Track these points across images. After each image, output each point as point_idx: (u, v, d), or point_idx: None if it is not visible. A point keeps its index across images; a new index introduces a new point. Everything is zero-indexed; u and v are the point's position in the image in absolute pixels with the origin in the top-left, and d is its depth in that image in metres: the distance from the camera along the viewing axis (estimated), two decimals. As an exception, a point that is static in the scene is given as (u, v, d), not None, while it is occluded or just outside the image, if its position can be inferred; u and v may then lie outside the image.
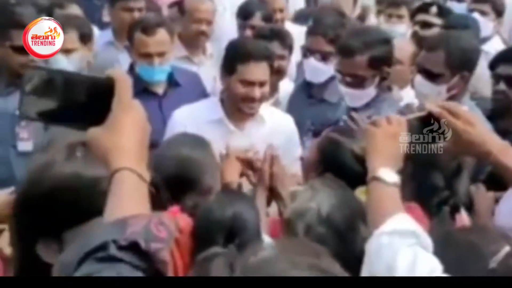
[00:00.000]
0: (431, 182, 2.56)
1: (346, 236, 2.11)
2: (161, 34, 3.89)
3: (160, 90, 3.99)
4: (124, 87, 1.44)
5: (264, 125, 3.52)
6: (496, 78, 3.67)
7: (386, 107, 3.43)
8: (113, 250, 1.24)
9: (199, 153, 2.72)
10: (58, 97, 1.44)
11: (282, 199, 2.84)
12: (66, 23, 3.98)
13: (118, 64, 4.38)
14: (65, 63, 3.96)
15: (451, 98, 3.38)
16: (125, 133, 1.42)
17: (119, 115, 1.42)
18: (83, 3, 5.20)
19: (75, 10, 4.84)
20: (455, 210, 2.60)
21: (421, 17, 4.93)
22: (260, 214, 2.65)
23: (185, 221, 2.38)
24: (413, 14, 5.14)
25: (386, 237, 1.85)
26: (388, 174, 1.99)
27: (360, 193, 2.52)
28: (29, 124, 3.56)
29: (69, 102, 1.44)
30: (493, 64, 3.73)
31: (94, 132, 1.42)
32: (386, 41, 3.57)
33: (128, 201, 1.37)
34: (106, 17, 5.34)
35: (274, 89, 4.19)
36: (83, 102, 1.44)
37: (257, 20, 4.87)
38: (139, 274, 1.24)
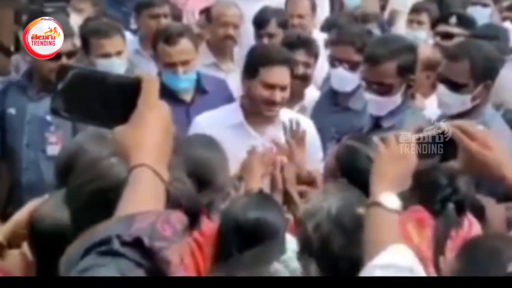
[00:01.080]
0: (434, 179, 2.56)
1: (353, 237, 2.12)
2: (184, 43, 3.90)
3: (187, 97, 4.00)
4: (151, 86, 1.46)
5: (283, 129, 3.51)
6: None
7: (409, 115, 3.44)
8: (116, 245, 1.23)
9: (210, 153, 2.80)
10: (88, 96, 1.46)
11: (295, 202, 2.89)
12: (111, 28, 4.10)
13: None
14: (119, 65, 4.07)
15: (474, 107, 3.40)
16: (148, 131, 1.43)
17: (144, 113, 1.44)
18: (111, 10, 5.29)
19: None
20: (459, 206, 2.60)
21: (441, 27, 4.89)
22: None
23: (207, 226, 2.43)
24: (433, 25, 5.10)
25: (379, 271, 1.78)
26: (390, 199, 1.94)
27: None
28: (58, 129, 3.64)
29: (98, 101, 1.46)
30: None
31: (118, 130, 1.44)
32: (412, 48, 3.58)
33: (143, 198, 1.37)
34: (133, 25, 5.39)
35: (300, 96, 4.22)
36: (111, 101, 1.46)
37: (272, 27, 4.86)
38: (140, 271, 1.23)
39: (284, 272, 2.29)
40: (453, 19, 4.84)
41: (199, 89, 4.04)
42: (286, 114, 3.59)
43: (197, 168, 2.62)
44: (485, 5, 5.99)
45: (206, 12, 5.10)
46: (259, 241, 2.32)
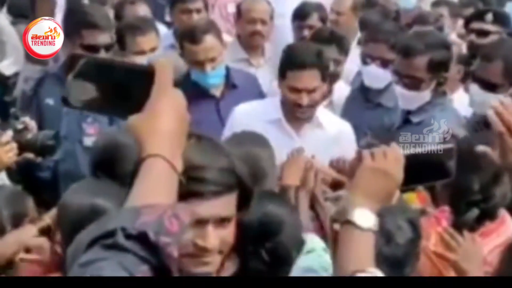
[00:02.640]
0: (465, 183, 2.60)
1: (382, 234, 2.11)
2: (209, 40, 3.89)
3: (217, 92, 4.01)
4: (164, 75, 1.43)
5: (322, 131, 3.54)
6: None
7: (439, 112, 3.45)
8: (120, 238, 1.19)
9: (262, 150, 2.87)
10: (101, 85, 1.43)
11: (322, 206, 2.91)
12: (146, 24, 4.16)
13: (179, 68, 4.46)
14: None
15: None
16: (161, 119, 1.40)
17: (157, 101, 1.41)
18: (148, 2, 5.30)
19: (143, 8, 4.94)
20: (485, 214, 2.64)
21: (476, 25, 4.82)
22: (305, 218, 2.73)
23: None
24: (467, 22, 5.03)
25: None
26: (365, 217, 1.77)
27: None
28: (95, 121, 3.69)
29: (110, 90, 1.43)
30: None
31: (132, 119, 1.42)
32: (447, 45, 3.59)
33: (154, 188, 1.35)
34: (168, 17, 5.41)
35: (328, 91, 4.21)
36: (124, 90, 1.44)
37: (314, 20, 4.88)
38: (143, 266, 1.19)
39: (318, 269, 2.33)
40: (489, 16, 4.77)
41: (229, 84, 4.04)
42: (324, 115, 3.60)
43: (252, 164, 2.67)
44: None
45: (236, 7, 5.09)
46: (267, 234, 2.33)
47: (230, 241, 1.70)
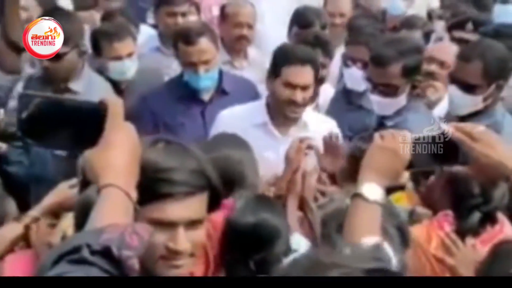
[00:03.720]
0: (466, 187, 2.65)
1: None
2: (204, 42, 3.91)
3: (206, 97, 4.03)
4: (116, 110, 1.54)
5: (307, 131, 3.55)
6: None
7: (412, 115, 3.47)
8: (85, 253, 1.29)
9: (241, 152, 2.88)
10: (54, 123, 1.51)
11: (310, 207, 2.93)
12: (122, 30, 4.19)
13: (169, 71, 4.46)
14: (130, 66, 4.18)
15: (486, 107, 3.43)
16: (115, 153, 1.51)
17: (110, 136, 1.52)
18: (129, 6, 5.32)
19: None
20: (487, 217, 2.68)
21: (457, 33, 4.84)
22: (293, 220, 2.77)
23: (219, 218, 2.46)
24: (449, 28, 5.04)
25: None
26: (372, 190, 1.96)
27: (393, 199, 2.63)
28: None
29: (64, 127, 1.52)
30: None
31: (87, 153, 1.52)
32: (418, 49, 3.63)
33: (110, 216, 1.43)
34: (151, 20, 5.42)
35: (314, 94, 4.28)
36: (77, 127, 1.53)
37: (316, 29, 4.78)
38: None
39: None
40: (469, 26, 4.81)
41: (219, 89, 4.05)
42: (309, 115, 3.62)
43: (229, 167, 2.70)
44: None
45: (220, 10, 5.09)
46: (262, 243, 2.37)
47: (202, 243, 1.74)
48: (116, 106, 1.55)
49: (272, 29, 5.17)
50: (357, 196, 1.96)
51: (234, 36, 4.84)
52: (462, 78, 3.44)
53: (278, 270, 2.03)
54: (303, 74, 3.47)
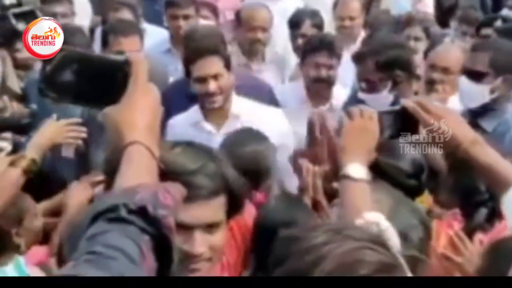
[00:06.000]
0: (472, 184, 2.67)
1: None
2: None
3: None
4: (140, 68, 1.52)
5: (239, 121, 3.62)
6: None
7: None
8: (123, 212, 1.29)
9: (264, 145, 3.00)
10: (78, 77, 1.49)
11: (324, 209, 2.91)
12: (129, 27, 4.23)
13: (177, 72, 4.46)
14: None
15: (496, 103, 3.45)
16: (138, 111, 1.49)
17: (134, 94, 1.50)
18: (145, 8, 5.33)
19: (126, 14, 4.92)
20: (494, 212, 2.67)
21: (485, 31, 4.87)
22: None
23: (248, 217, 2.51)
24: (478, 28, 5.08)
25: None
26: (357, 169, 2.02)
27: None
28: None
29: (87, 82, 1.50)
30: None
31: (109, 110, 1.51)
32: (398, 45, 3.72)
33: (138, 173, 1.43)
34: (166, 22, 5.47)
35: (326, 96, 4.30)
36: (101, 82, 1.51)
37: (307, 28, 4.88)
38: (145, 236, 1.28)
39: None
40: (499, 23, 4.82)
41: None
42: (240, 106, 3.68)
43: (257, 162, 2.83)
44: None
45: (235, 14, 5.10)
46: None
47: (220, 247, 1.72)
48: (140, 64, 1.53)
49: (279, 32, 5.17)
50: (343, 177, 2.02)
51: (249, 39, 4.87)
52: (470, 66, 3.50)
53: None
54: (208, 64, 3.56)
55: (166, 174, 1.57)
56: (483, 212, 2.67)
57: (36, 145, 2.99)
